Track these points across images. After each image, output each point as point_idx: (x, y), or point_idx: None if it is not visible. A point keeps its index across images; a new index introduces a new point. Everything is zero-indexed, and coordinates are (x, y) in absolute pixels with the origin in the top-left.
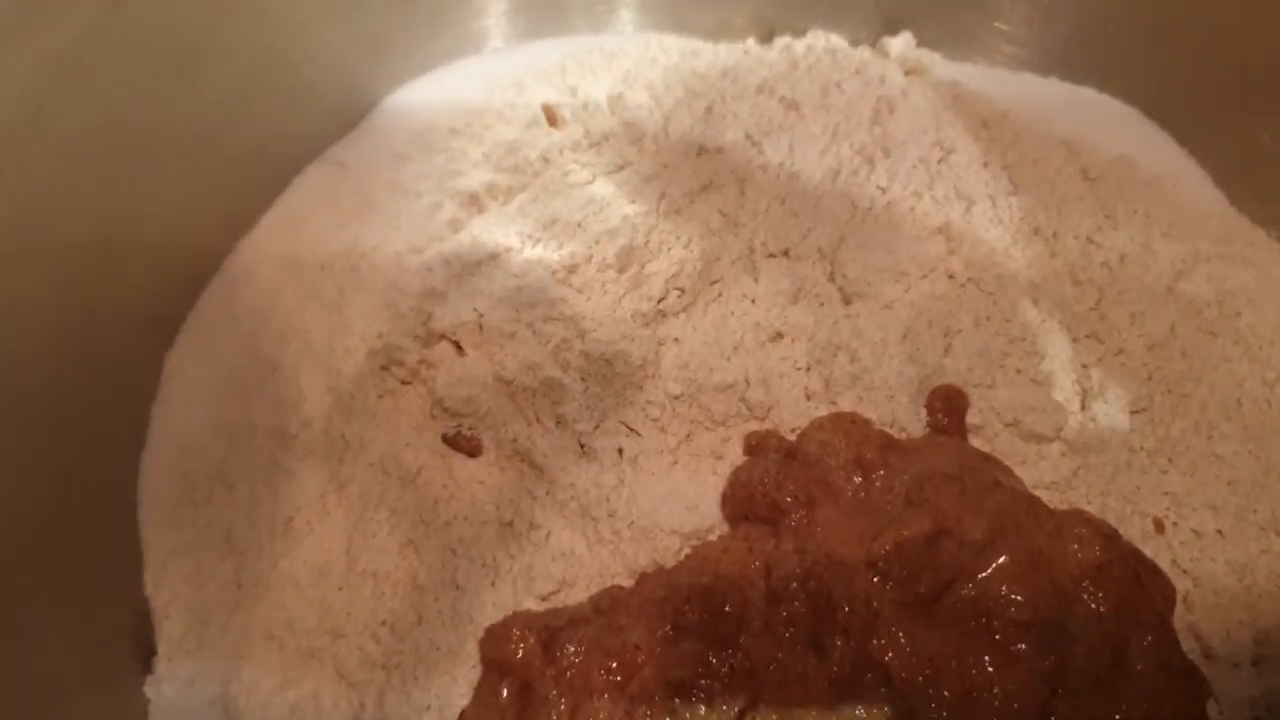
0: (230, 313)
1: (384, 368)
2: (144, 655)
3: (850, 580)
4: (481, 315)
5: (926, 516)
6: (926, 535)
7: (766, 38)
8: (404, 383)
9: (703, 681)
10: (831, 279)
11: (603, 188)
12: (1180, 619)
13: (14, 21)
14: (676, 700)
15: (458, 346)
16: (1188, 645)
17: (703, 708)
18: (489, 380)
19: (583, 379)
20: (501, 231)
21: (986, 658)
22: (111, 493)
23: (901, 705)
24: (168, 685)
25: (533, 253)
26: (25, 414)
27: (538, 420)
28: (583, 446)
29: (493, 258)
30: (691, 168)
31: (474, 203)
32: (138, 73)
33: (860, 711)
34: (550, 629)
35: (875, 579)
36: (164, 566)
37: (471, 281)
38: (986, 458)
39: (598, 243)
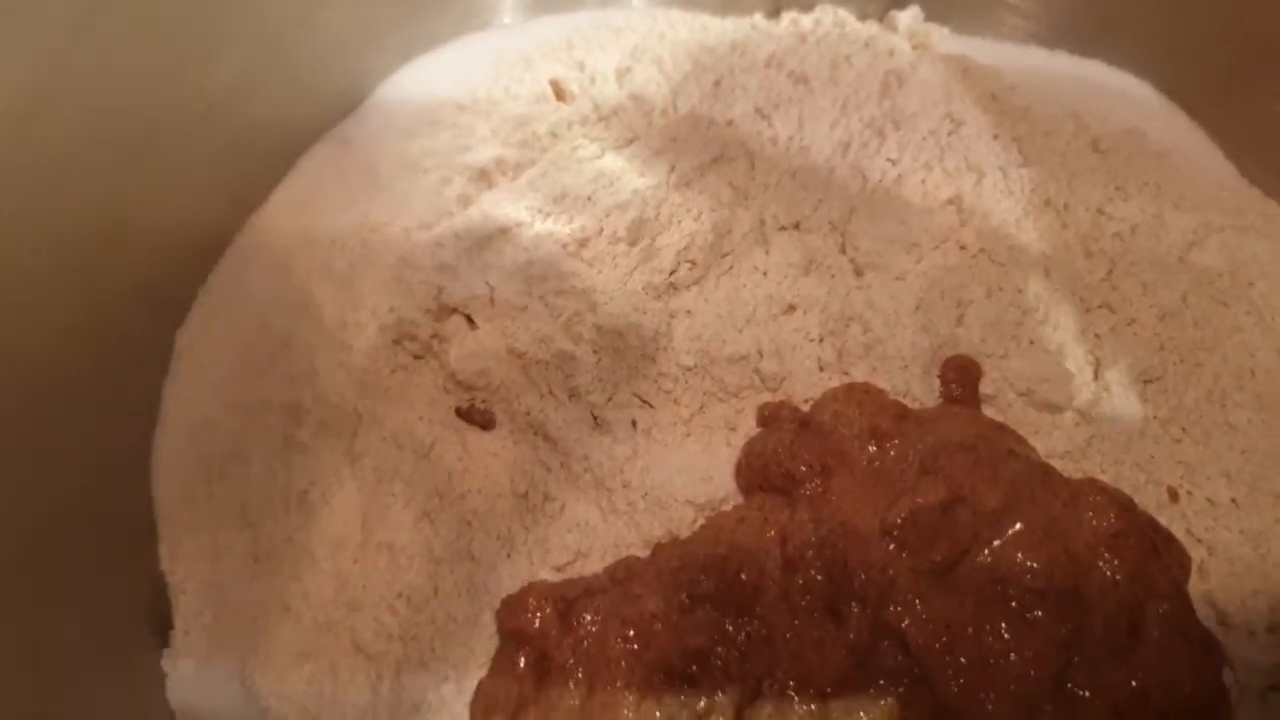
0: (241, 290)
1: (396, 342)
2: (161, 630)
3: (866, 549)
4: (493, 289)
5: (941, 485)
6: (942, 503)
7: (774, 12)
8: (416, 357)
9: (719, 650)
10: (843, 251)
11: (612, 161)
12: (1195, 588)
13: (16, 2)
14: (693, 668)
15: (470, 320)
16: (1203, 614)
17: (720, 675)
18: (501, 353)
19: (595, 352)
20: (511, 206)
21: (1003, 625)
22: (126, 470)
23: (918, 672)
24: (184, 659)
25: (543, 227)
26: (38, 393)
27: (550, 393)
28: (596, 419)
29: (503, 232)
30: (701, 141)
31: (483, 178)
32: (142, 53)
33: (876, 678)
34: (567, 599)
35: (891, 547)
36: (179, 542)
37: (482, 256)
38: (1000, 427)
39: (608, 216)
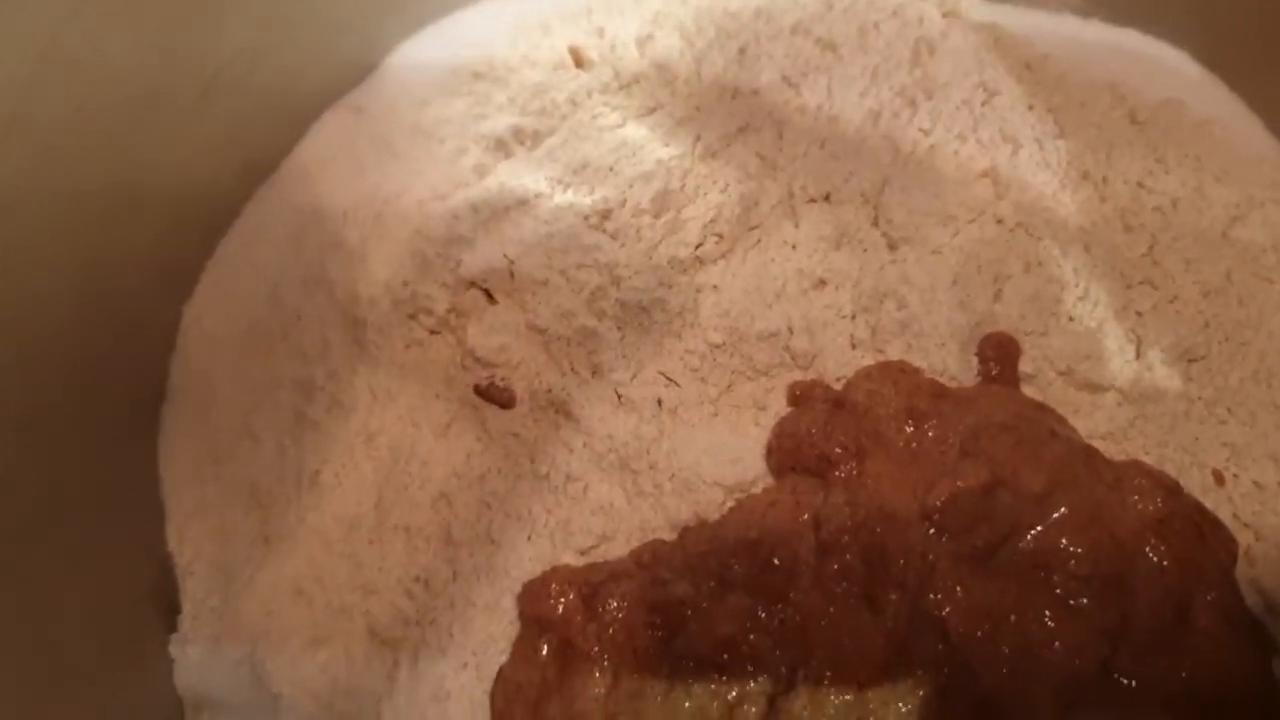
0: (251, 263)
1: (411, 317)
2: (168, 613)
3: (904, 533)
4: (512, 262)
5: (983, 467)
6: (983, 486)
7: None
8: (433, 332)
9: (751, 637)
10: (875, 224)
11: (634, 131)
12: (1242, 574)
13: None
14: (724, 656)
15: (488, 295)
16: (1250, 600)
17: (752, 664)
18: (521, 329)
19: (619, 328)
20: (530, 177)
21: (1046, 612)
22: (132, 448)
23: (959, 661)
24: (192, 644)
25: (563, 198)
26: (44, 370)
27: (573, 370)
28: (620, 397)
29: (522, 204)
30: (726, 110)
31: (500, 148)
32: (150, 19)
33: (915, 667)
34: (591, 584)
35: (930, 531)
36: (187, 522)
37: (500, 228)
38: (1042, 407)
39: (631, 187)
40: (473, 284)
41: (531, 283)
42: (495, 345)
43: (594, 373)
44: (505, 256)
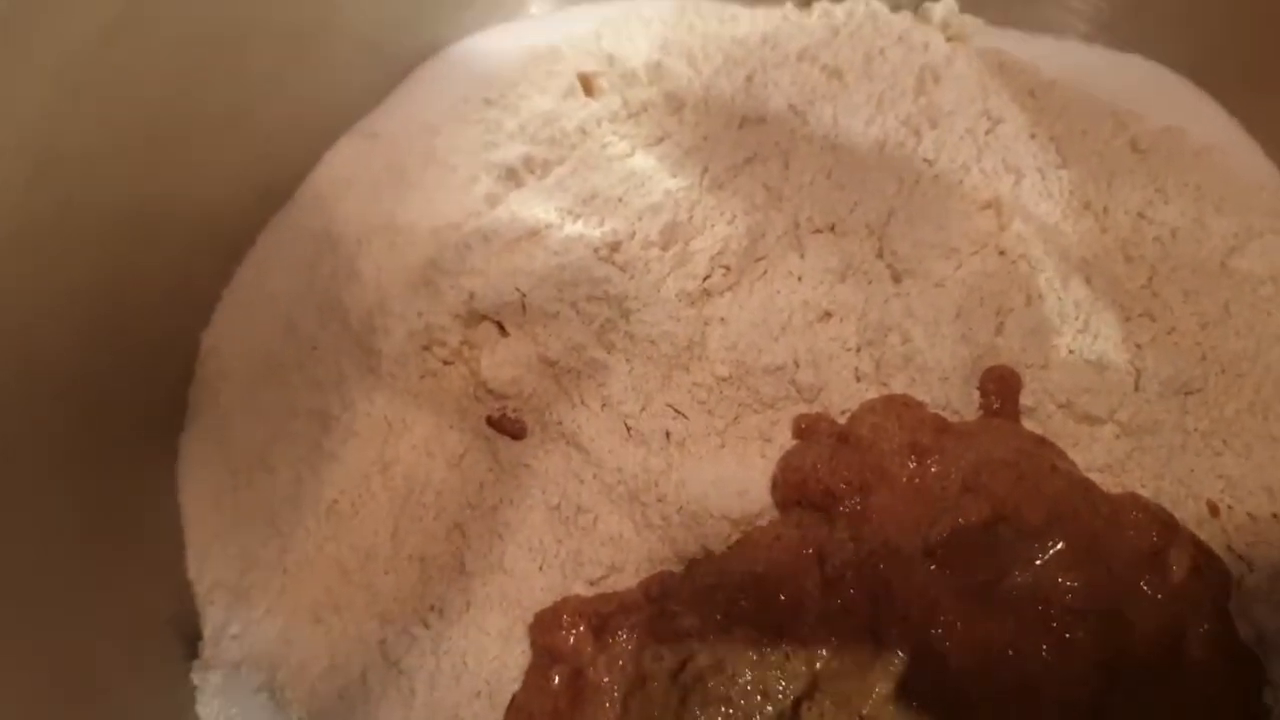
0: (267, 290)
1: (425, 348)
2: (190, 640)
3: (908, 569)
4: (524, 294)
5: (984, 503)
6: (985, 522)
7: (805, 2)
8: (446, 363)
9: (756, 671)
10: (880, 255)
11: (643, 161)
12: (1236, 605)
13: (48, 3)
14: (731, 690)
15: (500, 327)
16: (1244, 632)
17: (758, 697)
18: (533, 361)
19: (628, 360)
20: (540, 207)
21: (1044, 647)
22: (153, 475)
23: (959, 695)
24: (214, 671)
25: (573, 229)
26: (64, 396)
27: (583, 402)
28: (629, 429)
29: (532, 234)
30: (734, 139)
31: (511, 176)
32: (171, 51)
33: (915, 701)
34: (601, 615)
35: (933, 567)
36: (207, 551)
37: (512, 259)
38: (1042, 441)
39: (640, 219)
40: (485, 316)
41: (543, 315)
42: (507, 377)
43: (604, 405)
44: (517, 289)
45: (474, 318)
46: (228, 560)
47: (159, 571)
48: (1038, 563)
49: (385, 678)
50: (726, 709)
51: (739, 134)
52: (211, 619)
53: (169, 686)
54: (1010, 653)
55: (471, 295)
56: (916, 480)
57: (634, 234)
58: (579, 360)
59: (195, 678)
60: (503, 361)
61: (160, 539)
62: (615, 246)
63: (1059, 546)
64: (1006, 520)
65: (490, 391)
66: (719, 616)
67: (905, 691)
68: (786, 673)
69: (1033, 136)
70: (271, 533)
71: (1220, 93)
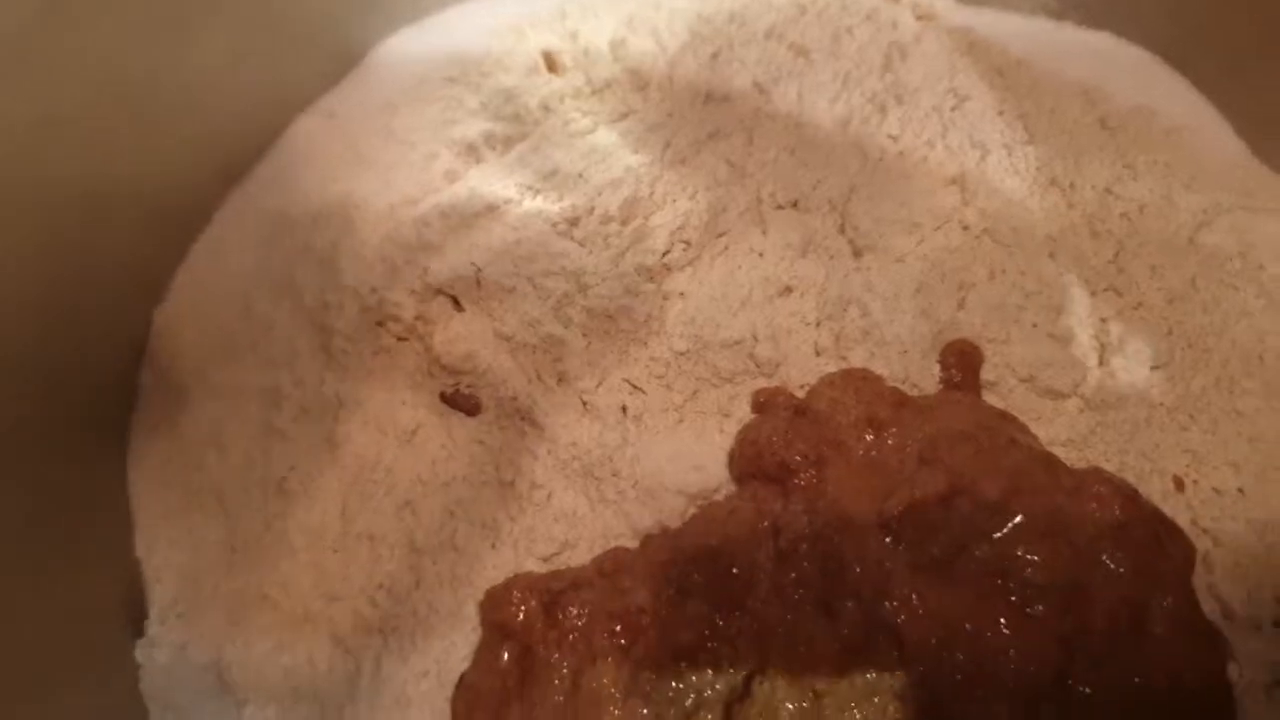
0: (222, 268)
1: (379, 324)
2: (136, 619)
3: (862, 541)
4: (480, 269)
5: (941, 476)
6: (941, 495)
7: None
8: (400, 339)
9: (709, 645)
10: (842, 231)
11: (605, 137)
12: (1200, 579)
13: None
14: (682, 664)
15: (455, 302)
16: (1208, 606)
17: (709, 671)
18: (488, 337)
19: (584, 335)
20: (500, 183)
21: (1002, 620)
22: (101, 455)
23: (914, 669)
24: (159, 650)
25: (532, 204)
26: (10, 372)
27: (538, 378)
28: (585, 404)
29: (491, 210)
30: (698, 116)
31: (471, 153)
32: (127, 24)
33: (871, 675)
34: (552, 591)
35: (888, 540)
36: (155, 529)
37: (469, 235)
38: (1002, 415)
39: (600, 194)
40: (440, 291)
41: (499, 290)
42: (462, 353)
43: (559, 380)
44: (473, 264)
45: (429, 293)
46: (176, 540)
47: (107, 550)
48: (996, 536)
49: (332, 656)
50: (677, 684)
51: (703, 110)
52: (158, 597)
53: (113, 665)
54: (968, 627)
55: (425, 270)
56: (873, 453)
57: (593, 209)
58: (535, 336)
59: (140, 655)
60: (457, 337)
61: (108, 517)
62: (574, 221)
63: (1018, 520)
64: (964, 493)
65: (444, 368)
66: (672, 591)
67: (859, 665)
68: (738, 647)
69: (1000, 114)
70: (220, 512)
71: (1191, 71)
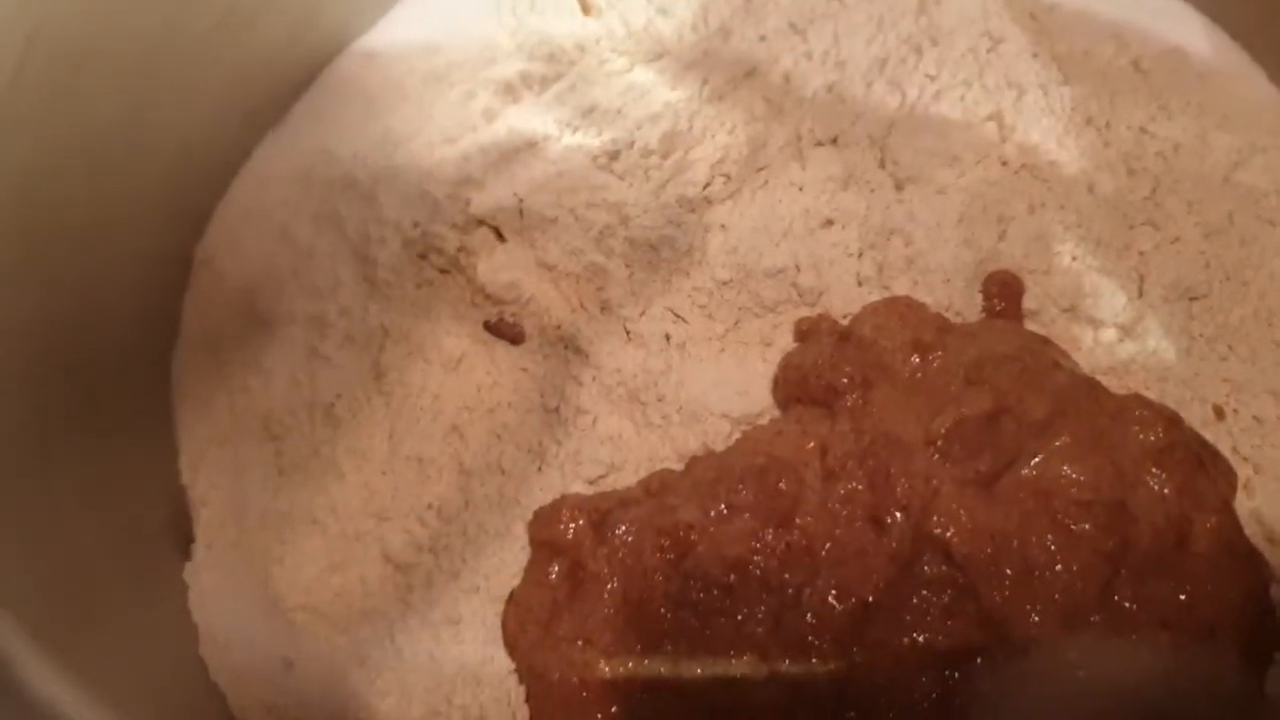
0: (261, 204)
1: (421, 256)
2: (183, 544)
3: (909, 459)
4: (521, 200)
5: (987, 395)
6: (987, 414)
7: None
8: (443, 271)
9: (757, 559)
10: (882, 165)
11: (642, 75)
12: (1242, 505)
13: None
14: (731, 577)
15: (498, 233)
16: (1250, 530)
17: (758, 585)
18: (531, 266)
19: (627, 265)
20: (539, 120)
21: (1049, 537)
22: (147, 384)
23: (963, 581)
24: (207, 573)
25: (572, 140)
26: (57, 307)
27: (581, 307)
28: (628, 333)
29: (531, 146)
30: (733, 56)
31: (509, 92)
32: None
33: (922, 590)
34: (600, 510)
35: (935, 458)
36: (201, 455)
37: (509, 169)
38: (1045, 340)
39: (639, 128)
40: (482, 222)
41: (541, 220)
42: (505, 282)
43: (603, 309)
44: (515, 195)
45: (471, 224)
46: (221, 465)
47: (153, 475)
48: (1041, 455)
49: (383, 575)
50: (725, 596)
51: (738, 50)
52: (205, 521)
53: (162, 588)
54: (1014, 543)
55: (468, 202)
56: (919, 375)
57: (633, 143)
58: (577, 265)
59: (188, 579)
60: (500, 266)
61: (155, 444)
62: (614, 155)
63: (1063, 439)
64: (1010, 412)
65: (488, 297)
66: (720, 507)
67: (907, 579)
68: (787, 560)
69: (1035, 56)
70: (266, 436)
71: (1223, 20)
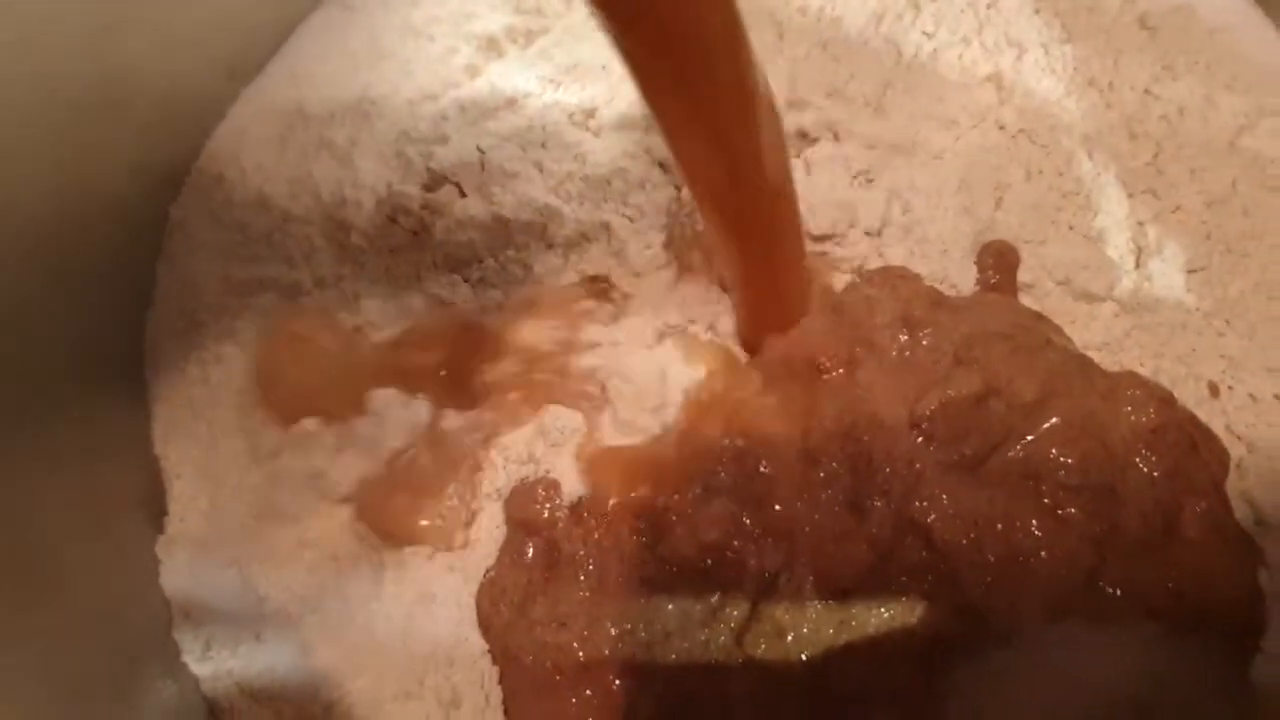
0: (237, 164)
1: (392, 219)
2: (155, 516)
3: (892, 441)
4: (484, 154)
5: (976, 376)
6: (975, 395)
7: None
8: (414, 233)
9: (735, 543)
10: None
11: None
12: (1233, 486)
13: None
14: (708, 561)
15: (460, 190)
16: (1240, 513)
17: (734, 570)
18: (488, 222)
19: (580, 203)
20: (521, 76)
21: (1034, 521)
22: (118, 351)
23: (944, 568)
24: (179, 547)
25: (551, 98)
26: (27, 271)
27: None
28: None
29: (510, 103)
30: None
31: (492, 47)
32: None
33: (900, 576)
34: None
35: (919, 440)
36: (173, 426)
37: (483, 124)
38: (1039, 316)
39: (623, 84)
40: (446, 180)
41: (501, 174)
42: (462, 240)
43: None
44: (478, 149)
45: (436, 182)
46: (195, 436)
47: (125, 446)
48: (1030, 437)
49: (356, 553)
50: (701, 581)
51: None
52: (178, 494)
53: (135, 562)
54: (999, 527)
55: (430, 156)
56: (907, 353)
57: (612, 99)
58: (530, 212)
59: (160, 552)
60: (458, 223)
61: (127, 414)
62: (591, 112)
63: (1052, 421)
64: (998, 393)
65: (448, 257)
66: (698, 490)
67: (888, 564)
68: (765, 545)
69: (1036, 12)
70: (239, 406)
71: None
